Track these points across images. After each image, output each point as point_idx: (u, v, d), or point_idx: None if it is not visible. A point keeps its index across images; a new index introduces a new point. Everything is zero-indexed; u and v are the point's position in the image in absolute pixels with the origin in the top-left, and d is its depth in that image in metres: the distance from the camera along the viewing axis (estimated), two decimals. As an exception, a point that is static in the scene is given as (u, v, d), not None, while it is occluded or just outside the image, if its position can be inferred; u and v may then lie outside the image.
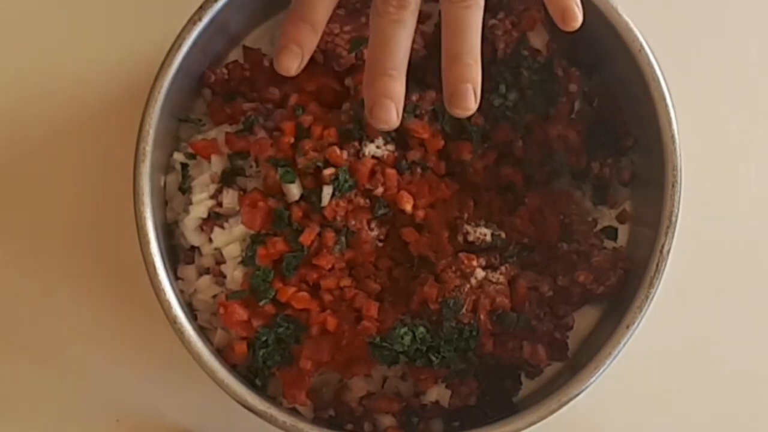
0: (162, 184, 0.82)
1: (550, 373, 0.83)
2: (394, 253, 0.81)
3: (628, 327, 0.76)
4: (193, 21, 0.77)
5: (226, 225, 0.80)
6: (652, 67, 0.77)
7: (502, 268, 0.80)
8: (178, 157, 0.83)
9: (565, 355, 0.83)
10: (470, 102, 0.64)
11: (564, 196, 0.83)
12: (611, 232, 0.85)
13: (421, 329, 0.77)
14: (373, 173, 0.79)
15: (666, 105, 0.77)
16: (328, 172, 0.77)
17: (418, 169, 0.80)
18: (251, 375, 0.80)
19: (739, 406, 0.88)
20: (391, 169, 0.79)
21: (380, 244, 0.80)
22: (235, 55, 0.86)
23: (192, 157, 0.82)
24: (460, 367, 0.78)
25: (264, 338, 0.78)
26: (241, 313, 0.78)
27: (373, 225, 0.79)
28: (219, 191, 0.81)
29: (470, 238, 0.80)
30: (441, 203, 0.81)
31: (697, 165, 0.80)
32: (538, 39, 0.82)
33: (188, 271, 0.81)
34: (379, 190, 0.78)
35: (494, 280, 0.79)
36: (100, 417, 0.87)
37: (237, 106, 0.82)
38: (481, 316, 0.78)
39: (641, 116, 0.79)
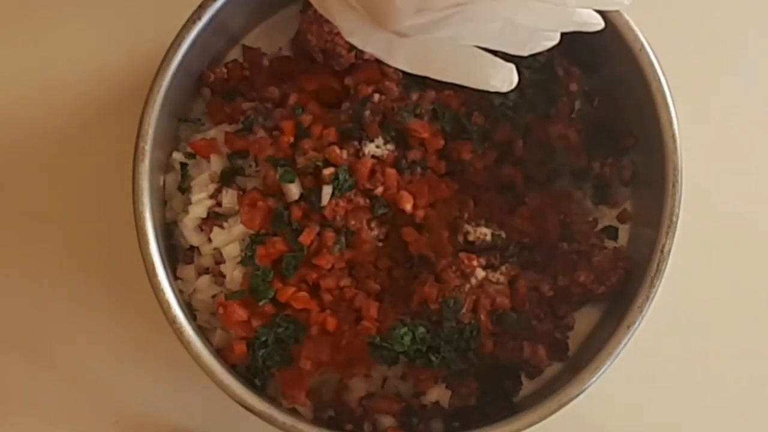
0: (161, 183, 0.82)
1: (550, 373, 0.83)
2: (394, 253, 0.81)
3: (628, 327, 0.76)
4: (192, 20, 0.77)
5: (225, 225, 0.80)
6: (652, 66, 0.77)
7: (503, 268, 0.80)
8: (178, 156, 0.82)
9: (566, 356, 0.83)
10: None
11: (564, 195, 0.83)
12: (612, 232, 0.85)
13: (421, 329, 0.77)
14: (373, 173, 0.78)
15: (666, 105, 0.77)
16: (328, 171, 0.77)
17: (418, 169, 0.80)
18: (251, 375, 0.80)
19: (739, 406, 0.87)
20: (391, 169, 0.79)
21: (380, 244, 0.80)
22: (235, 54, 0.86)
23: (191, 156, 0.82)
24: (460, 367, 0.78)
25: (263, 338, 0.78)
26: (240, 313, 0.78)
27: (372, 225, 0.79)
28: (218, 191, 0.80)
29: (470, 237, 0.80)
30: (441, 203, 0.81)
31: (697, 165, 0.80)
32: (538, 39, 0.82)
33: (187, 271, 0.81)
34: (379, 189, 0.78)
35: (494, 280, 0.79)
36: (100, 417, 0.86)
37: (236, 105, 0.82)
38: (482, 316, 0.78)
39: (641, 116, 0.79)
